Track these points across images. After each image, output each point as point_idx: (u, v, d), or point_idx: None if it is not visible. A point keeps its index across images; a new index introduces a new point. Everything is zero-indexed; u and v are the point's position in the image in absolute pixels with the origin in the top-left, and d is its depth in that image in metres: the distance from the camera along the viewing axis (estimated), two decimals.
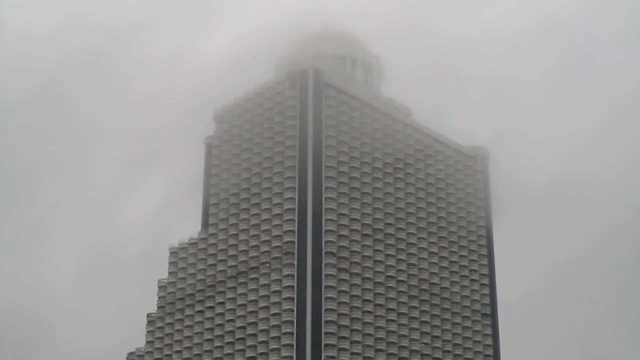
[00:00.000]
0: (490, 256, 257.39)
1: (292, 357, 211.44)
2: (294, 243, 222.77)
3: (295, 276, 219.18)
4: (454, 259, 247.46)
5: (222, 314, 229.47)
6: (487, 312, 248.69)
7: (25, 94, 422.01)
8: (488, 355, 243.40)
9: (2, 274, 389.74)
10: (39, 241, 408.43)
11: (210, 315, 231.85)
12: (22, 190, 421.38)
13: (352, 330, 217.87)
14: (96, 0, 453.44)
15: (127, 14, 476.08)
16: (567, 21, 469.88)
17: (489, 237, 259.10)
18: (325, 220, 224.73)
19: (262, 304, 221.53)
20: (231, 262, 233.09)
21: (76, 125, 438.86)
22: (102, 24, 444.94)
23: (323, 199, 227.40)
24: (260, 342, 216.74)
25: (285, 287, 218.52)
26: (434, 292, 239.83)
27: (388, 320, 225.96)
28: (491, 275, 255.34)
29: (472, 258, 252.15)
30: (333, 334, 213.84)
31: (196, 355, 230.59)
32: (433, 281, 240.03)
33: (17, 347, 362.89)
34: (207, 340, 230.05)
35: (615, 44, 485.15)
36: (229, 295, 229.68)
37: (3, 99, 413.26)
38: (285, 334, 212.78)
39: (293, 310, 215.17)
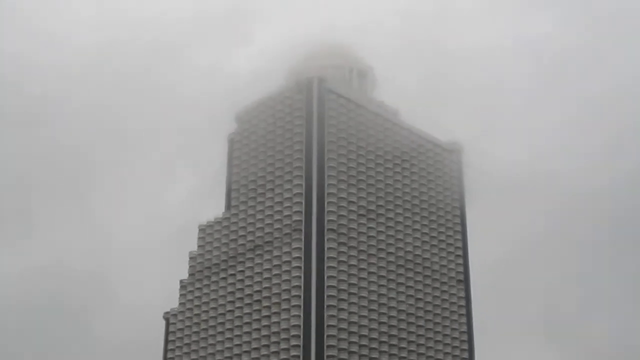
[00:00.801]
0: (463, 232, 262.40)
1: (299, 316, 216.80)
2: (301, 222, 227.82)
3: (303, 249, 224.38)
4: (433, 235, 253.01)
5: (242, 280, 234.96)
6: (461, 279, 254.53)
7: (89, 99, 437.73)
8: (462, 315, 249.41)
9: (74, 241, 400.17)
10: (104, 218, 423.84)
11: (232, 281, 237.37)
12: (91, 178, 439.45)
13: (349, 294, 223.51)
14: (148, 20, 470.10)
15: (172, 33, 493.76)
16: (540, 36, 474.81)
17: (463, 216, 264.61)
18: (328, 202, 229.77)
19: (275, 272, 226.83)
20: (249, 238, 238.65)
21: (130, 125, 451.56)
22: (151, 40, 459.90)
23: (325, 185, 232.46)
24: (274, 303, 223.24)
25: (294, 258, 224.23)
26: (417, 262, 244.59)
27: (380, 285, 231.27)
28: (464, 247, 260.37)
29: (448, 234, 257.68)
30: (334, 296, 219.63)
31: (220, 314, 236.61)
32: (417, 253, 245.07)
33: (82, 300, 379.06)
34: (229, 301, 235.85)
35: (580, 56, 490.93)
36: (248, 264, 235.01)
37: (71, 104, 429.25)
38: (294, 296, 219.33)
39: (300, 277, 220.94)
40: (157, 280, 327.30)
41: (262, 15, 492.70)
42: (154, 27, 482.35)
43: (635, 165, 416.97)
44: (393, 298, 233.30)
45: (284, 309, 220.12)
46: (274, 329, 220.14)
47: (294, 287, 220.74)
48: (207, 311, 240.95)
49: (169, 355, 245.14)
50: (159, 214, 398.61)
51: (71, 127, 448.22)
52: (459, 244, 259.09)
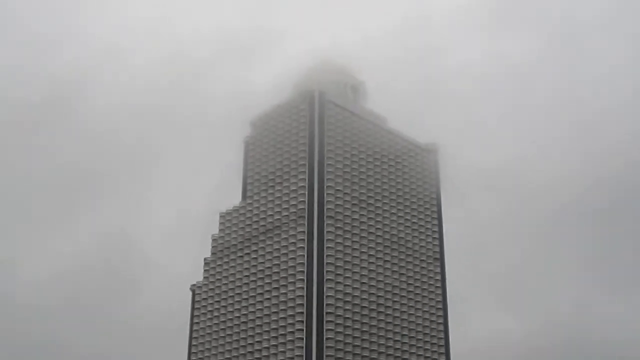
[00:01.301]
0: (439, 218, 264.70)
1: (303, 287, 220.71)
2: (305, 210, 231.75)
3: (306, 232, 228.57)
4: (414, 220, 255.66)
5: (255, 258, 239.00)
6: (437, 257, 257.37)
7: (133, 108, 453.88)
8: (438, 287, 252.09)
9: (123, 224, 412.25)
10: (145, 206, 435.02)
11: (247, 259, 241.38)
12: (137, 174, 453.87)
13: (345, 269, 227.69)
14: (184, 41, 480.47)
15: (203, 52, 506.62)
16: (513, 52, 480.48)
17: (439, 204, 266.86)
18: (327, 194, 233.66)
19: (283, 251, 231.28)
20: (262, 223, 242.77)
21: (166, 128, 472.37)
22: (189, 58, 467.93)
23: (325, 179, 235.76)
24: (282, 277, 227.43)
25: (299, 240, 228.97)
26: (401, 242, 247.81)
27: (369, 262, 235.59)
28: (440, 231, 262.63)
29: (427, 220, 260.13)
30: (332, 271, 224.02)
31: (238, 286, 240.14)
32: (400, 235, 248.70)
33: (127, 267, 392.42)
34: (245, 276, 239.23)
35: (545, 69, 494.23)
36: (260, 245, 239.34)
37: (121, 108, 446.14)
38: (299, 271, 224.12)
39: (304, 255, 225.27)
40: (186, 258, 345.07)
41: (273, 39, 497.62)
42: (188, 44, 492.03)
43: (584, 161, 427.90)
44: (380, 273, 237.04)
45: (291, 282, 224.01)
46: (282, 298, 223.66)
47: (298, 263, 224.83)
48: (226, 284, 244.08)
49: (195, 320, 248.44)
50: (188, 203, 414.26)
51: (120, 130, 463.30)
52: (436, 228, 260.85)
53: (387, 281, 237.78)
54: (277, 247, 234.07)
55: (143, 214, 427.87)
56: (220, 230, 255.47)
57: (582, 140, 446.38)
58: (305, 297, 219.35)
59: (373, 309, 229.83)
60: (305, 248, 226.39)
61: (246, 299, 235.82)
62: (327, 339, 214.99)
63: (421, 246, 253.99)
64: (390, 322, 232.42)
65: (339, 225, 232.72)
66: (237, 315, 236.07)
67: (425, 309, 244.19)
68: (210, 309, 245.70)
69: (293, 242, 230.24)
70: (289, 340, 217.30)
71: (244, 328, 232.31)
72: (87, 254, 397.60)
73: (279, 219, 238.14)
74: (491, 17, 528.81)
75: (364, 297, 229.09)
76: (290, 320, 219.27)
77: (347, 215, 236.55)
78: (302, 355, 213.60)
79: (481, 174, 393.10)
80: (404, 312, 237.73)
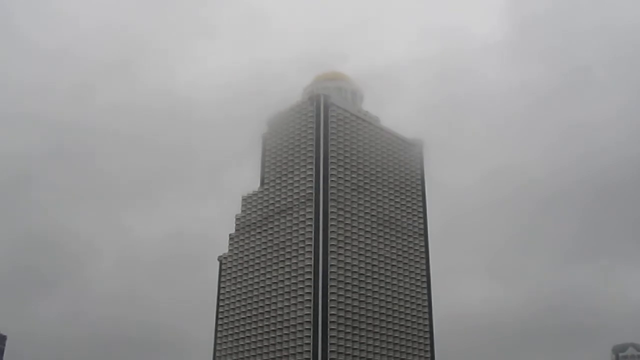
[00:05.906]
0: (424, 199, 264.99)
1: (311, 258, 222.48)
2: (312, 193, 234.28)
3: (313, 212, 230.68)
4: (403, 202, 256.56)
5: (271, 234, 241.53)
6: (422, 232, 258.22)
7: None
8: (422, 258, 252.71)
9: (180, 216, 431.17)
10: (199, 198, 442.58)
11: (265, 235, 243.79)
12: (188, 176, 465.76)
13: (345, 243, 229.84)
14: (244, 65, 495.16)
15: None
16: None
17: (423, 188, 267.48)
18: (330, 180, 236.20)
19: (294, 228, 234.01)
20: (277, 205, 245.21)
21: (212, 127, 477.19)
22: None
23: (329, 168, 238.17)
24: (294, 249, 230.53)
25: (307, 218, 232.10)
26: (391, 220, 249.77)
27: (365, 237, 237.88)
28: (424, 210, 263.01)
29: (413, 202, 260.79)
30: (334, 245, 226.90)
31: (257, 257, 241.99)
32: (391, 215, 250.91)
33: (186, 257, 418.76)
34: (263, 248, 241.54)
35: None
36: (276, 223, 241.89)
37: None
38: (307, 245, 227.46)
39: (312, 232, 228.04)
40: (216, 235, 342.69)
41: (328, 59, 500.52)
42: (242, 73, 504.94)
43: (560, 159, 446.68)
44: (375, 246, 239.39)
45: (301, 253, 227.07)
46: (294, 267, 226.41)
47: (307, 238, 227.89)
48: (248, 255, 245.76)
49: (222, 285, 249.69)
50: (219, 190, 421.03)
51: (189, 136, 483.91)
52: (420, 209, 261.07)
53: (379, 252, 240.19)
54: (289, 224, 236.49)
55: (201, 202, 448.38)
56: (242, 210, 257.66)
57: (564, 149, 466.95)
58: (312, 266, 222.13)
59: (369, 276, 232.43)
60: (313, 225, 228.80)
61: (264, 267, 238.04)
62: (330, 300, 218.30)
63: (408, 224, 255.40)
64: (382, 287, 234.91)
65: (340, 207, 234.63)
66: (257, 280, 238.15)
67: (411, 277, 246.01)
68: (234, 275, 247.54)
69: (302, 221, 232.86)
70: (300, 302, 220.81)
71: (262, 291, 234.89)
72: (165, 240, 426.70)
73: (291, 201, 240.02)
74: (507, 49, 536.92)
75: (361, 266, 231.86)
76: (300, 285, 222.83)
77: (347, 198, 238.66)
78: (310, 314, 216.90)
79: (463, 164, 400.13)
80: (394, 278, 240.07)
